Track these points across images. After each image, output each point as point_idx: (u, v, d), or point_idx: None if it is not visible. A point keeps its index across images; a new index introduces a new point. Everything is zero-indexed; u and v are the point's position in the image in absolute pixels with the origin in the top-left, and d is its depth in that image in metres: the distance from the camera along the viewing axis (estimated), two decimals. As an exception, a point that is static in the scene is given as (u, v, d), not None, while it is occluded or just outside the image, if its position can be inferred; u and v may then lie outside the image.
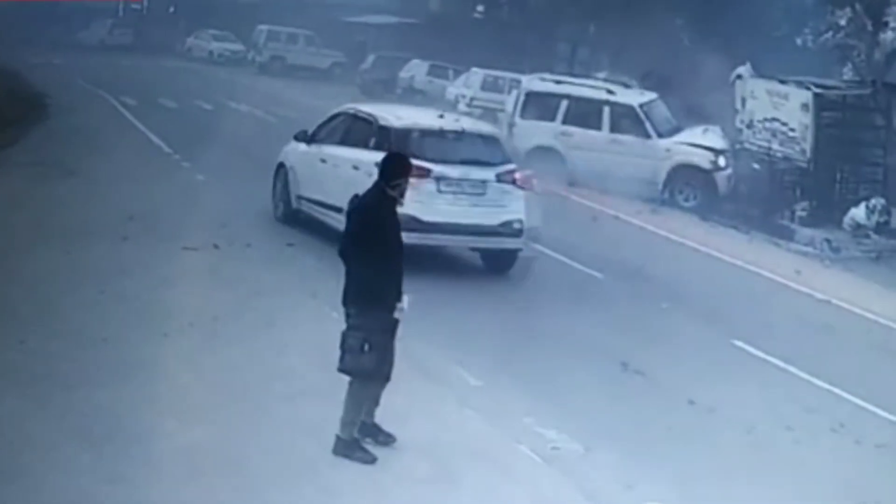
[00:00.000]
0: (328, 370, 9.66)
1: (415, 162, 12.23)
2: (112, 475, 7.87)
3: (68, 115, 27.04)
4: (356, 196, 8.95)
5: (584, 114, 24.54)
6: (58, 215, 15.80)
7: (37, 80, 32.46)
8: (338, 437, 8.65)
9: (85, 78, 36.96)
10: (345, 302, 8.72)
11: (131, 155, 21.73)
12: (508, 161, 15.42)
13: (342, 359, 8.64)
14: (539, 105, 25.06)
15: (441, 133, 15.29)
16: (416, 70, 42.28)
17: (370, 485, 8.29)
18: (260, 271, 13.92)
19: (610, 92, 24.86)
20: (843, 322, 15.40)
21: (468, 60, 38.43)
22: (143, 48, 53.60)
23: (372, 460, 8.60)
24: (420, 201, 13.53)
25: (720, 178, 23.64)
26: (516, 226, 14.99)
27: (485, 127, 16.92)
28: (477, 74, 36.68)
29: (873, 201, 22.23)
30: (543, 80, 26.15)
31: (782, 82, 23.90)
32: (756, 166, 24.07)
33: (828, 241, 21.19)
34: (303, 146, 16.69)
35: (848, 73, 26.61)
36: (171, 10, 61.05)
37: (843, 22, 26.92)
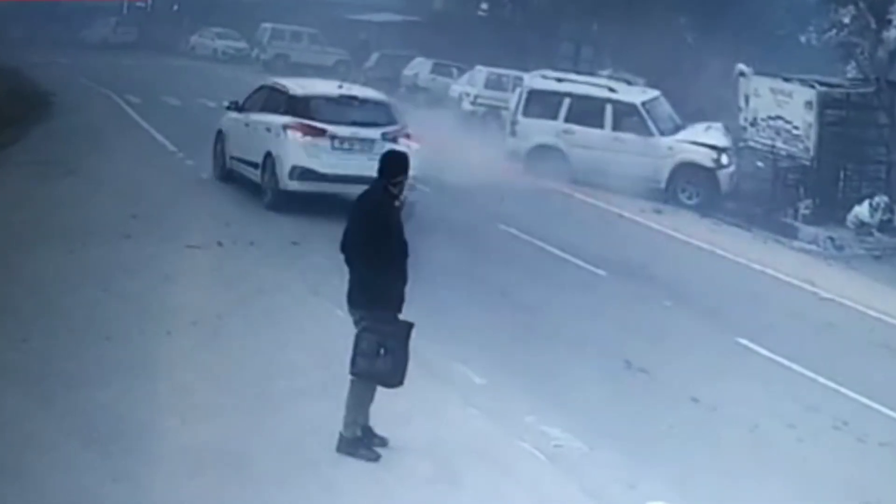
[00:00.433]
0: (331, 368, 9.69)
1: (312, 123, 17.30)
2: (115, 473, 7.89)
3: (71, 114, 27.03)
4: (363, 195, 8.95)
5: (587, 112, 24.50)
6: (61, 214, 15.81)
7: (40, 78, 32.44)
8: (341, 436, 8.69)
9: (88, 76, 36.94)
10: (351, 304, 8.70)
11: (135, 153, 21.73)
12: (394, 122, 17.96)
13: (354, 362, 8.60)
14: (541, 103, 25.02)
15: (337, 100, 18.09)
16: (419, 68, 42.26)
17: (373, 483, 8.30)
18: (263, 269, 13.93)
19: (611, 90, 24.83)
20: (847, 320, 15.39)
21: (472, 58, 38.39)
22: (146, 46, 53.57)
23: (376, 458, 8.63)
24: (316, 156, 17.07)
25: (722, 175, 23.60)
26: None
27: (375, 94, 19.24)
28: (480, 72, 36.63)
29: (877, 199, 22.21)
30: (545, 77, 26.09)
31: (786, 80, 23.88)
32: (760, 164, 24.05)
33: (831, 239, 21.18)
34: (234, 114, 19.36)
35: (852, 71, 26.58)
36: (175, 8, 61.01)
37: (846, 20, 26.88)
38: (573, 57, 35.70)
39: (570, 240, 17.41)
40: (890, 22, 24.92)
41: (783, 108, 23.59)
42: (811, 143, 22.95)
